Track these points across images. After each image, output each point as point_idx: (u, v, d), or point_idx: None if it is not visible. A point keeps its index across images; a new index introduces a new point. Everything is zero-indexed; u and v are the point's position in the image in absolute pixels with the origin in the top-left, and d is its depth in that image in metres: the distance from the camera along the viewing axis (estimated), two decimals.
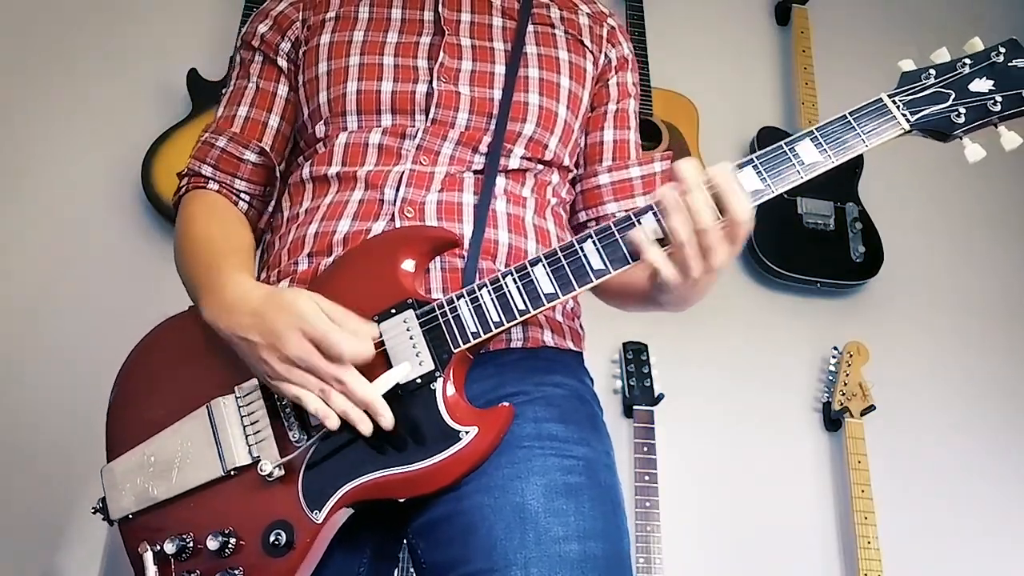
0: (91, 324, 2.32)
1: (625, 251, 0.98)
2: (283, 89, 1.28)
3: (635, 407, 2.32)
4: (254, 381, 1.05)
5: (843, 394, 2.45)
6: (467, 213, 1.14)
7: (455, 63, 1.21)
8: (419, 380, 0.99)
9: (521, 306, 0.99)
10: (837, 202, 2.66)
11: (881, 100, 1.01)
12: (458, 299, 1.01)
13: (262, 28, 1.30)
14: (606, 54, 1.33)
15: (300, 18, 1.29)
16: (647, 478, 2.20)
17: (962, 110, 1.00)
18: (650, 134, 2.62)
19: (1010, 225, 2.94)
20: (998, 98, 0.99)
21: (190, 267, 1.15)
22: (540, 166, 1.23)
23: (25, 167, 2.47)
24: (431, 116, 1.18)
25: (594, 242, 0.99)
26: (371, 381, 0.97)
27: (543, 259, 1.00)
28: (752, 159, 0.99)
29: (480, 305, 1.00)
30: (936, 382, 2.66)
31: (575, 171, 1.32)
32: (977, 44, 1.02)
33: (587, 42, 1.31)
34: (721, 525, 2.39)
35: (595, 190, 1.30)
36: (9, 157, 2.47)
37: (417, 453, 0.96)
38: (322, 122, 1.22)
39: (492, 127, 1.19)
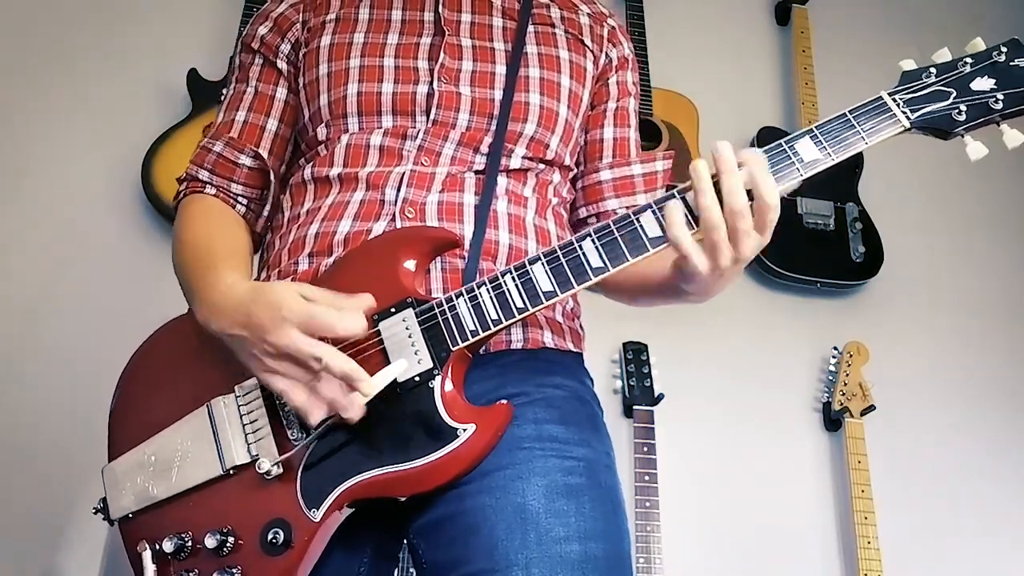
0: (91, 324, 2.32)
1: (624, 249, 0.98)
2: (282, 92, 1.28)
3: (635, 407, 2.32)
4: (254, 380, 1.05)
5: (843, 394, 2.45)
6: (468, 213, 1.15)
7: (455, 64, 1.21)
8: (417, 378, 0.99)
9: (520, 304, 0.99)
10: (837, 202, 2.67)
11: (881, 98, 1.01)
12: (457, 298, 1.01)
13: (262, 30, 1.30)
14: (606, 53, 1.33)
15: (300, 20, 1.29)
16: (647, 478, 2.20)
17: (963, 108, 1.00)
18: (650, 134, 2.62)
19: (1010, 225, 2.94)
20: (1000, 96, 0.99)
21: (185, 270, 1.16)
22: (541, 165, 1.23)
23: (25, 167, 2.47)
24: (432, 117, 1.18)
25: (593, 240, 0.99)
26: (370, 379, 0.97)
27: (542, 257, 1.00)
28: None
29: (479, 304, 1.00)
30: (936, 382, 2.66)
31: (576, 170, 1.32)
32: (979, 44, 1.02)
33: (587, 41, 1.31)
34: (721, 525, 2.39)
35: (596, 186, 1.30)
36: (9, 157, 2.47)
37: (415, 451, 0.96)
38: (323, 124, 1.22)
39: (493, 127, 1.19)
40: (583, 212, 1.31)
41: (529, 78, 1.23)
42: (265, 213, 1.29)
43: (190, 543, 1.02)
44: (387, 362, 0.99)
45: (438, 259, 1.10)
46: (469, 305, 1.00)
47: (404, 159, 1.17)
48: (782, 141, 1.00)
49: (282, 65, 1.28)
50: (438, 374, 0.98)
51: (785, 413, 2.56)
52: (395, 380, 0.98)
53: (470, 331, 0.99)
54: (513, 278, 1.00)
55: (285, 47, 1.29)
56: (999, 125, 1.00)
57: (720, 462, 2.47)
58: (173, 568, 1.03)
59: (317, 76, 1.23)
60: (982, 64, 1.01)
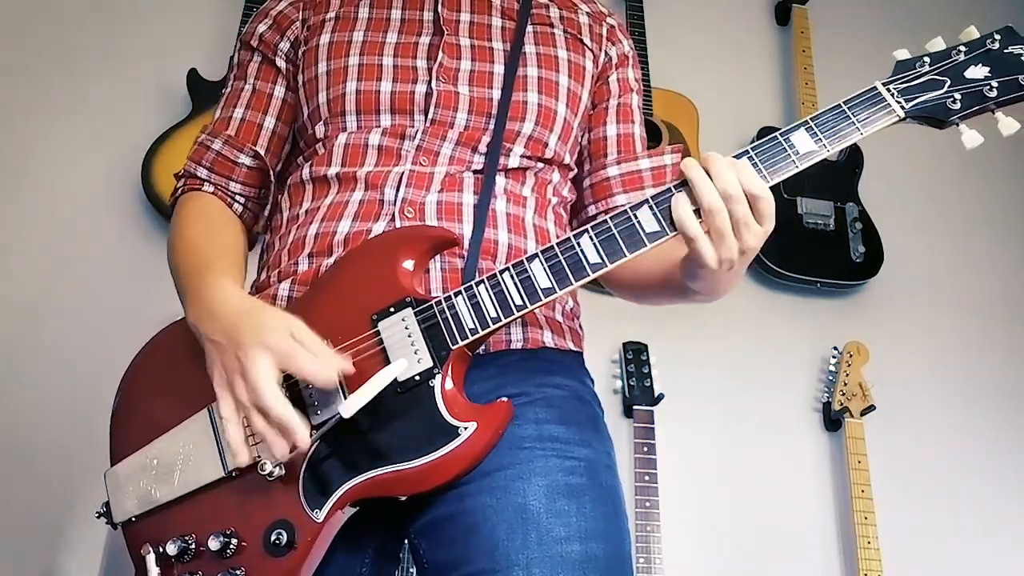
0: (91, 324, 2.32)
1: (621, 244, 0.98)
2: (280, 90, 1.28)
3: (635, 407, 2.33)
4: None
5: (843, 394, 2.45)
6: (467, 213, 1.15)
7: (454, 63, 1.21)
8: (417, 377, 0.99)
9: (519, 301, 0.99)
10: (837, 202, 2.67)
11: (875, 88, 1.02)
12: (456, 296, 1.01)
13: (261, 28, 1.30)
14: (606, 52, 1.33)
15: (300, 18, 1.29)
16: (647, 478, 2.21)
17: (958, 96, 1.00)
18: (650, 134, 2.62)
19: (1010, 225, 2.94)
20: (994, 84, 0.99)
21: (179, 272, 1.16)
22: (540, 164, 1.23)
23: (25, 167, 2.47)
24: (430, 116, 1.18)
25: (590, 237, 0.99)
26: (369, 380, 0.97)
27: (540, 255, 1.00)
28: (747, 150, 1.00)
29: (478, 302, 1.00)
30: (936, 382, 2.66)
31: (575, 170, 1.32)
32: (973, 32, 1.03)
33: (587, 40, 1.31)
34: (721, 525, 2.39)
35: (604, 182, 1.30)
36: (9, 157, 2.47)
37: (416, 450, 0.96)
38: (321, 122, 1.22)
39: (491, 127, 1.19)
40: (592, 210, 1.30)
41: (527, 77, 1.23)
42: (264, 212, 1.29)
43: (193, 545, 1.02)
44: (387, 362, 0.99)
45: (437, 258, 1.10)
46: (468, 304, 1.00)
47: (403, 159, 1.17)
48: (777, 133, 1.00)
49: (281, 63, 1.28)
50: (438, 373, 0.98)
51: (785, 413, 2.56)
52: (395, 379, 0.98)
53: (469, 329, 0.99)
54: (512, 276, 1.00)
55: (284, 45, 1.29)
56: (994, 113, 1.01)
57: (720, 462, 2.47)
58: (177, 571, 1.03)
59: (316, 74, 1.23)
60: (976, 52, 1.01)
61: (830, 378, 2.53)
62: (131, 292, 2.34)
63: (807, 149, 0.99)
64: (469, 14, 1.27)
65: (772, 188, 0.98)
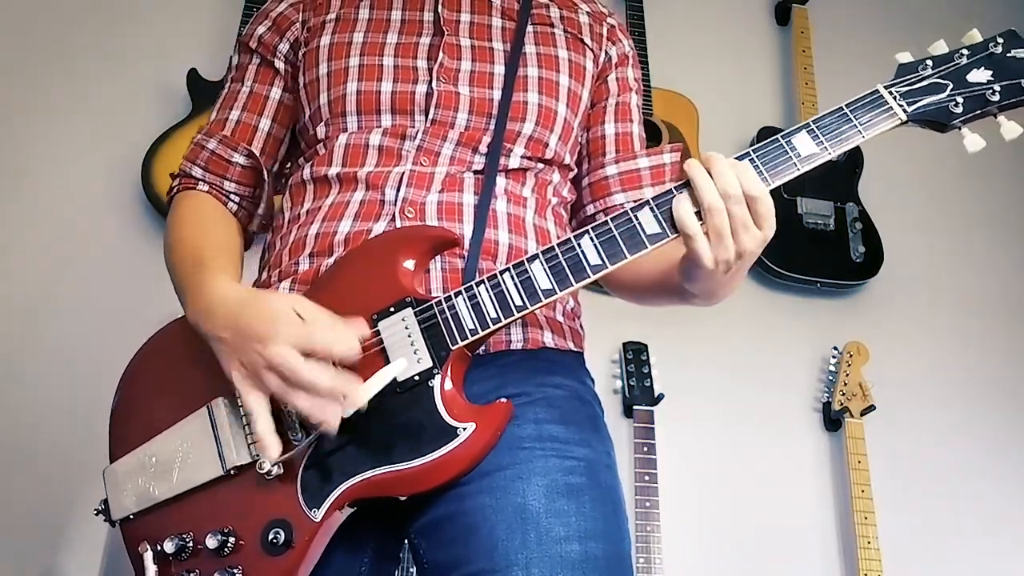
0: (91, 324, 2.32)
1: (622, 246, 0.98)
2: (277, 92, 1.29)
3: (635, 407, 2.33)
4: None
5: (843, 394, 2.45)
6: (467, 213, 1.15)
7: (454, 63, 1.21)
8: (417, 377, 0.99)
9: (519, 302, 0.99)
10: (837, 202, 2.67)
11: (877, 91, 1.01)
12: (456, 297, 1.01)
13: (260, 29, 1.31)
14: (606, 51, 1.33)
15: (300, 19, 1.29)
16: (647, 478, 2.21)
17: (960, 100, 1.00)
18: (650, 134, 2.62)
19: (1010, 225, 2.94)
20: (997, 88, 0.99)
21: (176, 269, 1.16)
22: (541, 165, 1.23)
23: (25, 167, 2.47)
24: (431, 117, 1.18)
25: (591, 238, 0.99)
26: (368, 379, 0.97)
27: (540, 256, 1.00)
28: (748, 152, 1.00)
29: (478, 302, 1.00)
30: (936, 382, 2.66)
31: (575, 170, 1.32)
32: (975, 36, 1.02)
33: (587, 40, 1.31)
34: (721, 525, 2.39)
35: (602, 181, 1.30)
36: (9, 157, 2.47)
37: (415, 450, 0.96)
38: (323, 123, 1.22)
39: (491, 127, 1.19)
40: (591, 208, 1.30)
41: (528, 78, 1.23)
42: (259, 211, 1.29)
43: (191, 544, 1.02)
44: (387, 361, 0.99)
45: (438, 258, 1.10)
46: (468, 304, 1.00)
47: (403, 159, 1.17)
48: (779, 136, 1.00)
49: (279, 65, 1.29)
50: (438, 373, 0.98)
51: (785, 413, 2.56)
52: (395, 379, 0.98)
53: (469, 330, 0.99)
54: (512, 276, 1.00)
55: (284, 46, 1.29)
56: (996, 117, 1.00)
57: (720, 462, 2.47)
58: (174, 569, 1.03)
59: (317, 75, 1.23)
60: (978, 56, 1.01)
61: (830, 378, 2.53)
62: (131, 292, 2.34)
63: (809, 152, 0.99)
64: (469, 14, 1.27)
65: (772, 189, 0.98)
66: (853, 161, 2.74)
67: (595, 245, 0.99)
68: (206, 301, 1.05)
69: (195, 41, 2.69)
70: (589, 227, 1.00)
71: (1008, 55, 1.00)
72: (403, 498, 0.98)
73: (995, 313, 2.80)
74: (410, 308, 1.01)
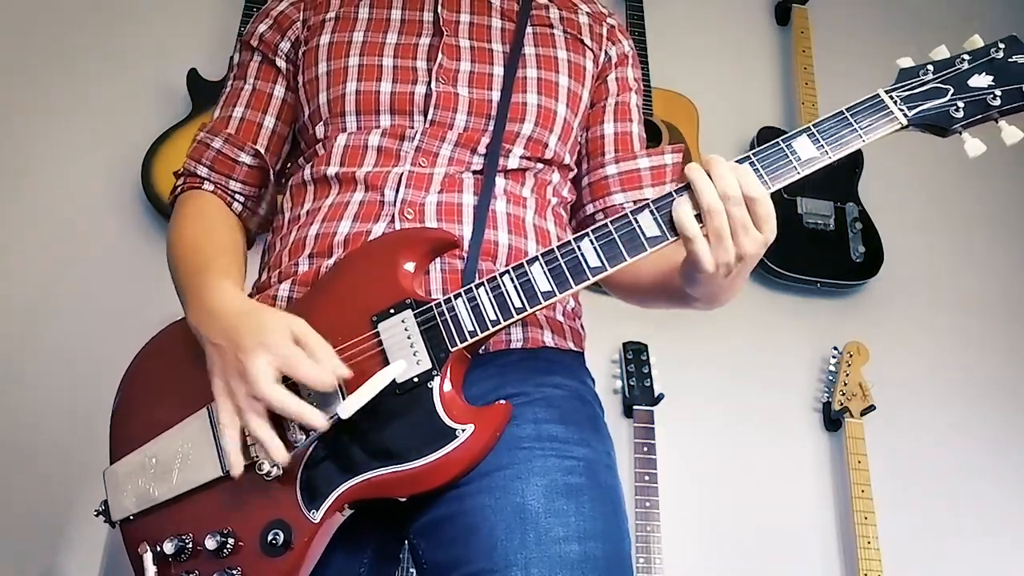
0: (91, 324, 2.32)
1: (622, 248, 0.98)
2: (279, 90, 1.28)
3: (635, 407, 2.33)
4: None
5: (843, 394, 2.45)
6: (467, 214, 1.15)
7: (454, 64, 1.21)
8: (416, 379, 0.99)
9: (518, 304, 0.99)
10: (837, 202, 2.67)
11: (878, 96, 1.01)
12: (456, 298, 1.01)
13: (262, 28, 1.31)
14: (606, 52, 1.33)
15: (301, 18, 1.29)
16: (647, 478, 2.21)
17: (961, 105, 1.00)
18: (650, 134, 2.62)
19: (1010, 225, 2.94)
20: (997, 93, 0.99)
21: (178, 271, 1.16)
22: (540, 165, 1.23)
23: (25, 167, 2.47)
24: (430, 117, 1.18)
25: (591, 240, 0.99)
26: (367, 381, 0.97)
27: (540, 258, 1.00)
28: (749, 156, 1.00)
29: (477, 304, 1.00)
30: (936, 382, 2.66)
31: (575, 170, 1.31)
32: (977, 41, 1.03)
33: (587, 40, 1.31)
34: (721, 525, 2.39)
35: (602, 181, 1.30)
36: (9, 157, 2.47)
37: (414, 451, 0.96)
38: (322, 123, 1.22)
39: (490, 128, 1.19)
40: (590, 208, 1.30)
41: (527, 79, 1.23)
42: (262, 211, 1.29)
43: (190, 544, 1.02)
44: (386, 363, 0.99)
45: (438, 260, 1.10)
46: (468, 306, 1.00)
47: (402, 160, 1.17)
48: (779, 139, 1.00)
49: (281, 63, 1.29)
50: (437, 375, 0.98)
51: (785, 413, 2.56)
52: (394, 381, 0.98)
53: (469, 332, 0.99)
54: (512, 279, 1.00)
55: (285, 45, 1.29)
56: (997, 122, 1.01)
57: (720, 462, 2.46)
58: (174, 570, 1.03)
59: (316, 75, 1.23)
60: (980, 61, 1.01)
61: (830, 378, 2.53)
62: (131, 292, 2.34)
63: (809, 155, 0.99)
64: (469, 15, 1.27)
65: (772, 191, 0.98)
66: (853, 161, 2.74)
67: (595, 247, 0.99)
68: (207, 307, 1.06)
69: (195, 41, 2.69)
70: (589, 229, 1.00)
71: (1009, 60, 1.00)
72: (403, 499, 0.98)
73: (995, 313, 2.80)
74: (410, 310, 1.01)
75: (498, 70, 1.22)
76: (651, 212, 0.99)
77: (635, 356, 2.41)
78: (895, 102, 1.01)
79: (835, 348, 2.56)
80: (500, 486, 1.02)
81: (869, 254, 2.62)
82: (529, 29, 1.27)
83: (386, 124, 1.19)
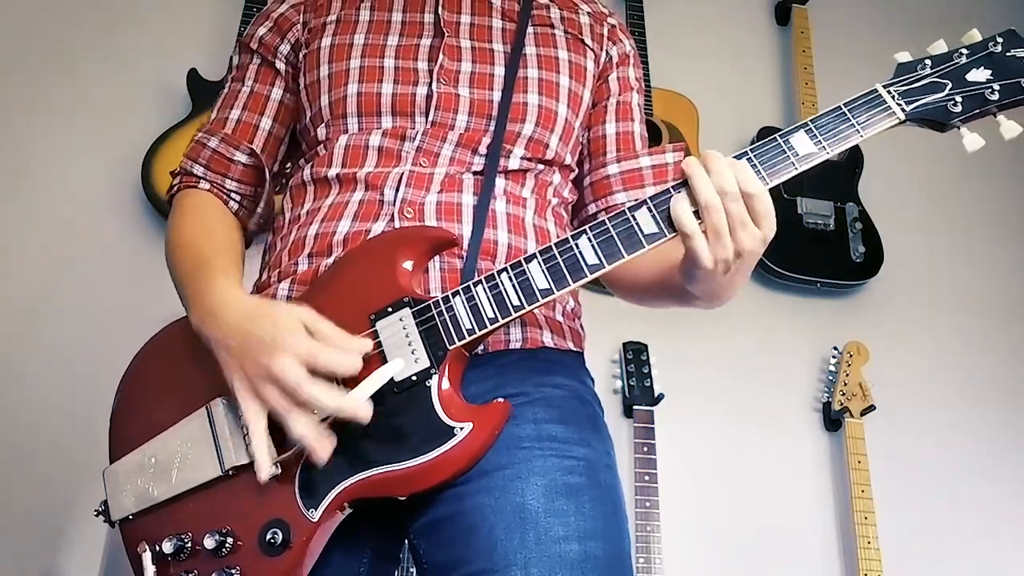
0: (91, 324, 2.32)
1: (619, 245, 0.98)
2: (277, 92, 1.29)
3: (635, 407, 2.33)
4: None
5: (843, 394, 2.45)
6: (466, 213, 1.15)
7: (455, 65, 1.21)
8: (414, 377, 0.98)
9: (516, 302, 0.99)
10: (837, 202, 2.67)
11: (876, 91, 1.01)
12: (454, 296, 1.01)
13: (261, 30, 1.31)
14: (607, 51, 1.33)
15: (301, 21, 1.29)
16: (647, 478, 2.20)
17: (959, 99, 0.99)
18: (650, 134, 2.60)
19: (1010, 225, 2.94)
20: (996, 87, 0.99)
21: (178, 270, 1.16)
22: (541, 166, 1.23)
23: (25, 167, 2.47)
24: (431, 118, 1.18)
25: (588, 237, 0.99)
26: (366, 378, 0.97)
27: (538, 255, 1.00)
28: (746, 151, 0.99)
29: (475, 302, 1.00)
30: (936, 382, 2.66)
31: (576, 170, 1.31)
32: (975, 35, 1.02)
33: (588, 40, 1.31)
34: (721, 525, 2.39)
35: (604, 180, 1.29)
36: (9, 157, 2.47)
37: (412, 450, 0.96)
38: (323, 125, 1.22)
39: (491, 128, 1.19)
40: (592, 208, 1.30)
41: (528, 79, 1.23)
42: (259, 211, 1.29)
43: (189, 544, 1.02)
44: (384, 361, 0.99)
45: (437, 259, 1.10)
46: (466, 304, 1.00)
47: (403, 160, 1.17)
48: (776, 135, 1.00)
49: (280, 65, 1.29)
50: (435, 373, 0.98)
51: (785, 413, 2.56)
52: (392, 379, 0.98)
53: (467, 330, 0.99)
54: (509, 276, 1.00)
55: (284, 48, 1.29)
56: (996, 116, 1.00)
57: (720, 462, 2.46)
58: (173, 569, 1.03)
59: (318, 77, 1.23)
60: (978, 55, 1.01)
61: (830, 378, 2.53)
62: (131, 292, 2.34)
63: (806, 151, 0.99)
64: (470, 16, 1.27)
65: (772, 189, 0.98)
66: (853, 161, 2.74)
67: (592, 245, 0.99)
68: (210, 305, 1.05)
69: (195, 41, 2.69)
70: (587, 227, 1.00)
71: (1008, 54, 1.00)
72: (402, 498, 0.98)
73: (995, 313, 2.80)
74: (408, 308, 1.01)
75: (499, 70, 1.22)
76: (649, 209, 0.99)
77: (635, 356, 2.41)
78: (892, 97, 1.00)
79: (835, 348, 2.56)
80: (500, 486, 1.02)
81: (869, 254, 2.62)
82: (530, 29, 1.27)
83: (387, 125, 1.19)
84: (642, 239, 0.98)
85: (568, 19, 1.32)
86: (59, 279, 2.38)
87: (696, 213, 0.97)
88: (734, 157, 0.99)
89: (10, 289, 2.35)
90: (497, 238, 1.14)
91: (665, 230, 0.98)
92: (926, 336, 2.72)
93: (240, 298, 1.05)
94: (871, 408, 2.43)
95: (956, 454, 2.57)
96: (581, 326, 1.26)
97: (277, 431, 1.02)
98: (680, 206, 0.97)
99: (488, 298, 1.00)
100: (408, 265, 1.04)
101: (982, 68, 1.00)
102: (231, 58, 1.36)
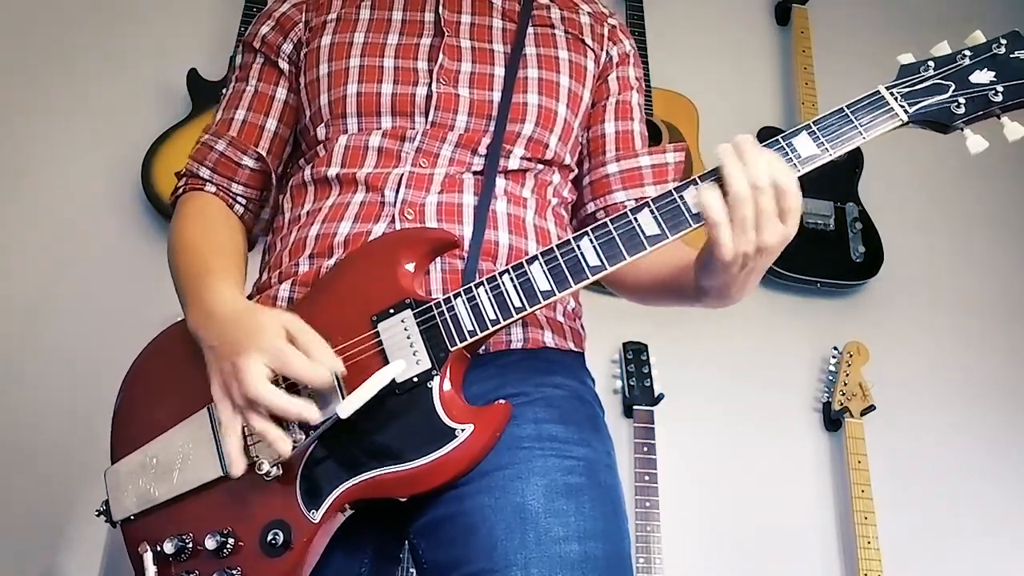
0: (91, 324, 2.32)
1: (621, 247, 0.98)
2: (282, 92, 1.28)
3: (635, 407, 2.33)
4: None
5: (843, 394, 2.45)
6: (467, 214, 1.14)
7: (455, 65, 1.21)
8: (416, 379, 0.99)
9: (518, 304, 0.99)
10: (837, 202, 2.67)
11: (879, 92, 1.00)
12: (455, 298, 1.01)
13: (264, 29, 1.30)
14: (607, 51, 1.33)
15: (303, 20, 1.29)
16: (647, 478, 2.21)
17: (962, 101, 0.99)
18: (650, 134, 2.61)
19: (1010, 225, 2.94)
20: (999, 88, 0.98)
21: (178, 272, 1.16)
22: (540, 166, 1.22)
23: (25, 167, 2.47)
24: (430, 118, 1.18)
25: (590, 239, 0.99)
26: (366, 380, 0.97)
27: (540, 257, 1.00)
28: None
29: (477, 304, 1.00)
30: (936, 382, 2.66)
31: (576, 170, 1.31)
32: (978, 37, 1.02)
33: (588, 40, 1.31)
34: (721, 525, 2.39)
35: (603, 180, 1.29)
36: (9, 157, 2.47)
37: (414, 451, 0.96)
38: (323, 124, 1.22)
39: (491, 128, 1.19)
40: (591, 207, 1.30)
41: (528, 79, 1.23)
42: (265, 215, 1.29)
43: (190, 544, 1.02)
44: (386, 363, 0.99)
45: (438, 260, 1.10)
46: (468, 306, 1.00)
47: (402, 161, 1.17)
48: (779, 137, 1.00)
49: (283, 65, 1.28)
50: (436, 374, 0.98)
51: (785, 413, 2.56)
52: (393, 381, 0.98)
53: (468, 331, 0.99)
54: (511, 278, 1.00)
55: (287, 47, 1.29)
56: (999, 118, 0.99)
57: (720, 462, 2.46)
58: (174, 569, 1.03)
59: (317, 76, 1.23)
60: (981, 57, 1.00)
61: (830, 378, 2.53)
62: (131, 292, 2.34)
63: (809, 153, 0.98)
64: (470, 16, 1.27)
65: None
66: (853, 161, 2.74)
67: (594, 246, 0.99)
68: (205, 309, 1.06)
69: (195, 41, 2.69)
70: (588, 228, 1.00)
71: (1011, 56, 0.99)
72: (403, 499, 0.98)
73: (995, 313, 2.80)
74: (409, 309, 1.01)
75: (499, 70, 1.22)
76: (651, 211, 0.98)
77: (635, 356, 2.41)
78: (896, 98, 1.00)
79: (835, 348, 2.56)
80: (500, 486, 1.02)
81: (869, 254, 2.62)
82: (530, 29, 1.27)
83: (387, 125, 1.19)
84: (644, 241, 0.98)
85: (568, 19, 1.32)
86: (59, 279, 2.38)
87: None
88: None
89: (10, 289, 2.35)
90: (498, 239, 1.14)
91: (667, 232, 0.97)
92: (926, 336, 2.72)
93: (233, 301, 1.06)
94: (871, 408, 2.43)
95: (956, 454, 2.57)
96: (582, 326, 1.26)
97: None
98: (710, 195, 0.95)
99: (490, 299, 1.00)
100: (410, 266, 1.04)
101: (986, 70, 1.00)
102: (233, 58, 1.36)
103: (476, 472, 0.98)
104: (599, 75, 1.32)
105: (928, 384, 2.65)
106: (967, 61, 1.00)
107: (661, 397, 2.35)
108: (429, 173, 1.16)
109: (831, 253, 2.61)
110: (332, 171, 1.19)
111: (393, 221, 1.13)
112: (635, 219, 0.98)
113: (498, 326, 0.99)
